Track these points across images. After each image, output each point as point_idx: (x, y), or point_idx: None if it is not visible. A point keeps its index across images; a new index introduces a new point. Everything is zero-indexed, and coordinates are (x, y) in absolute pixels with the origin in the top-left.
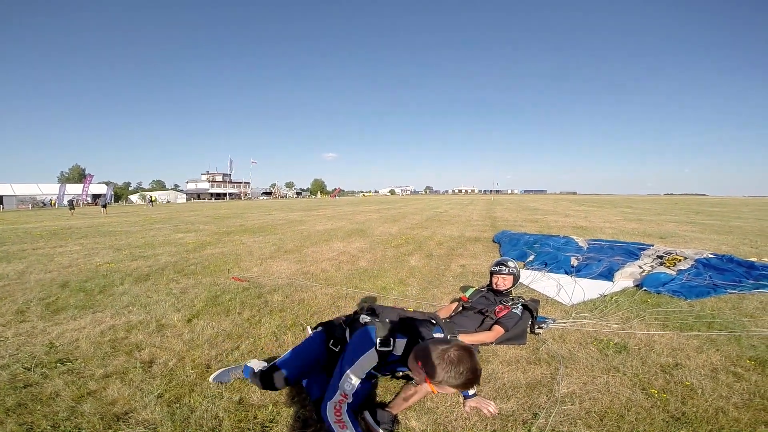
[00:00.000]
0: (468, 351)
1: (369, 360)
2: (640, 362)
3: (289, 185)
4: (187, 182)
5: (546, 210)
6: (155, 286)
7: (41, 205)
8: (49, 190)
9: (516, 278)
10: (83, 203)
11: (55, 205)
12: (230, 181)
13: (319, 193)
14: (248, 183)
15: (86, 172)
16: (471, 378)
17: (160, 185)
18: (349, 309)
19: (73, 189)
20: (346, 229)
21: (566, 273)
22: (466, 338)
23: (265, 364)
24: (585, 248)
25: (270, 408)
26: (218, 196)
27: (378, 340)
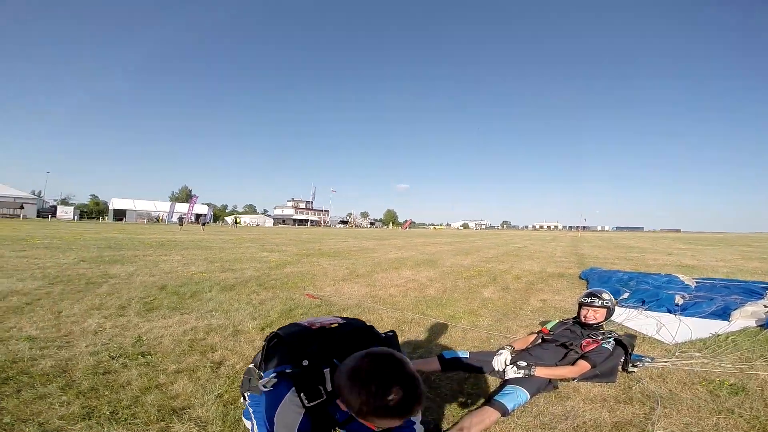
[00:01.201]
0: (388, 358)
1: (284, 412)
2: (762, 404)
3: (364, 215)
4: (275, 208)
5: (643, 248)
6: (238, 296)
7: (155, 220)
8: (162, 207)
9: (609, 312)
10: (187, 221)
11: (165, 221)
12: (312, 209)
13: (391, 224)
14: (327, 211)
15: (192, 193)
16: (397, 399)
17: (251, 209)
18: (414, 334)
19: (181, 208)
20: (415, 259)
21: (669, 311)
22: (543, 371)
23: None
24: (692, 286)
25: None
26: (301, 222)
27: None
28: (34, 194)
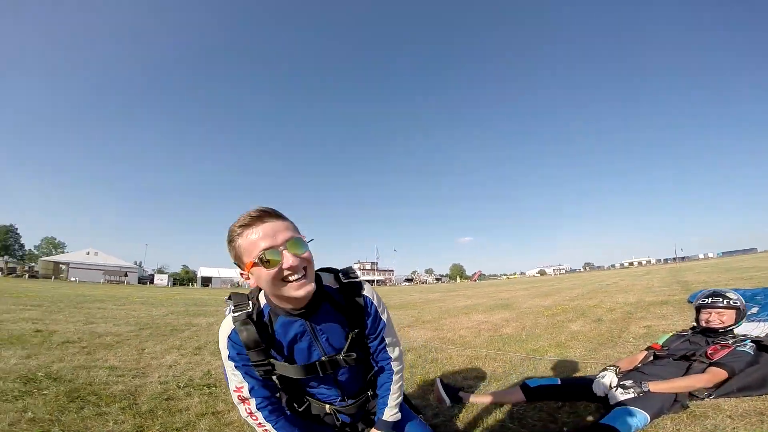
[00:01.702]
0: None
1: (221, 334)
2: None
3: (429, 271)
4: None
5: (762, 267)
6: None
7: (237, 284)
8: None
9: (740, 314)
10: None
11: (245, 286)
12: (377, 269)
13: (458, 278)
14: (392, 270)
15: None
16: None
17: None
18: (490, 368)
19: None
20: (487, 304)
21: None
22: (661, 386)
23: None
24: None
25: None
26: (368, 282)
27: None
28: (135, 264)
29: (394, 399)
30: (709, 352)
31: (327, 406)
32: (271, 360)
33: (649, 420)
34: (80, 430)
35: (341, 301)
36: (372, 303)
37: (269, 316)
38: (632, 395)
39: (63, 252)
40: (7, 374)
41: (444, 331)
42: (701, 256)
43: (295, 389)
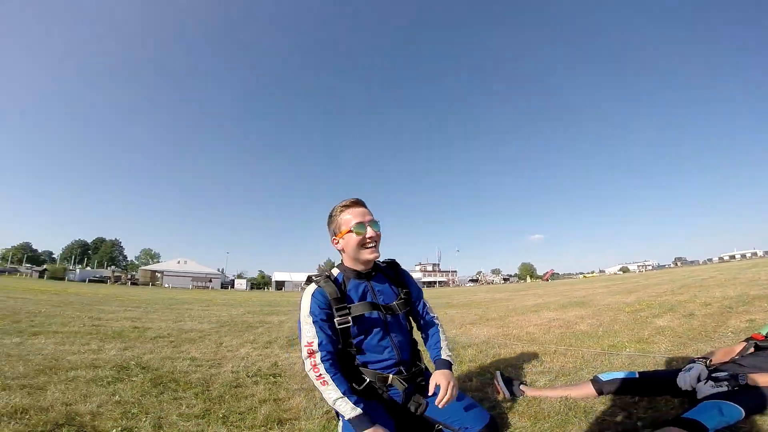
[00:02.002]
0: None
1: (305, 298)
2: None
3: (495, 271)
4: None
5: None
6: None
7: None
8: None
9: None
10: None
11: None
12: (439, 270)
13: (528, 278)
14: (455, 271)
15: (335, 264)
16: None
17: None
18: (558, 363)
19: None
20: (560, 302)
21: None
22: (764, 378)
23: None
24: None
25: None
26: (429, 284)
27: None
28: (218, 270)
29: (445, 344)
30: None
31: (389, 376)
32: (348, 306)
33: (743, 415)
34: (156, 412)
35: (390, 274)
36: (410, 275)
37: (342, 280)
38: (725, 388)
39: (158, 261)
40: (105, 363)
41: (510, 328)
42: None
43: (352, 361)
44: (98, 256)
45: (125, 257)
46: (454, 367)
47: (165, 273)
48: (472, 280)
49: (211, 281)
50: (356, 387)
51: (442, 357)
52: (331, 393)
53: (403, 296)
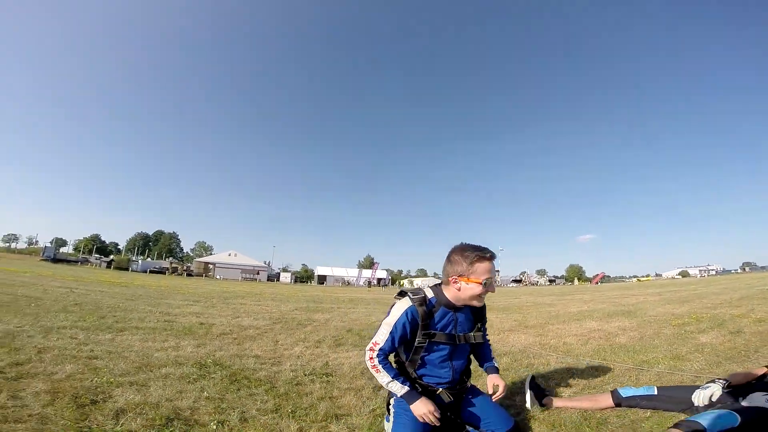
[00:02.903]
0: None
1: (398, 309)
2: None
3: (541, 272)
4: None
5: None
6: None
7: (347, 283)
8: (352, 273)
9: None
10: (373, 284)
11: (354, 284)
12: None
13: (576, 280)
14: (498, 271)
15: (374, 261)
16: (477, 249)
17: (422, 273)
18: (586, 377)
19: (366, 273)
20: (607, 311)
21: None
22: None
23: None
24: None
25: None
26: None
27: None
28: (265, 263)
29: (492, 356)
30: None
31: (439, 389)
32: (432, 332)
33: (739, 420)
34: (239, 407)
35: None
36: (485, 308)
37: (434, 305)
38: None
39: (211, 253)
40: (186, 360)
41: (548, 337)
42: None
43: (410, 371)
44: (158, 247)
45: (182, 249)
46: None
47: (217, 265)
48: (515, 281)
49: (258, 273)
50: (409, 383)
51: (495, 365)
52: (383, 378)
53: (479, 329)
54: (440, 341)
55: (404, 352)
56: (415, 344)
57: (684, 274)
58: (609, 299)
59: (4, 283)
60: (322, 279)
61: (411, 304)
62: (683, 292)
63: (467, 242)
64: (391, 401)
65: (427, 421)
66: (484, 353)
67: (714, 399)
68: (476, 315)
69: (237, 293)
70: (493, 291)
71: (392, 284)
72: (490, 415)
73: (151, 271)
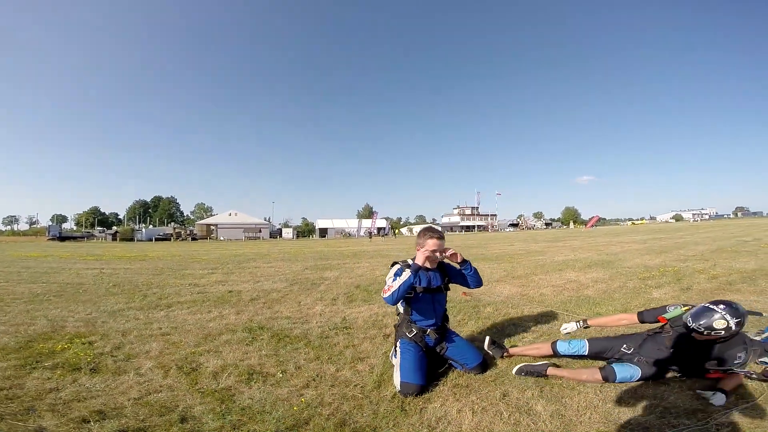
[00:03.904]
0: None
1: (392, 270)
2: None
3: (537, 215)
4: (442, 216)
5: None
6: None
7: (348, 235)
8: (352, 224)
9: (731, 331)
10: (373, 234)
11: (355, 235)
12: (478, 214)
13: (572, 223)
14: (495, 215)
15: (373, 210)
16: (427, 228)
17: (421, 219)
18: (547, 326)
19: (365, 223)
20: (588, 261)
21: None
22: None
23: None
24: None
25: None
26: (468, 228)
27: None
28: (265, 220)
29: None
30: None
31: (428, 330)
32: (415, 286)
33: (639, 375)
34: (290, 359)
35: (441, 267)
36: (449, 265)
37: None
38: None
39: (211, 215)
40: (235, 327)
41: (529, 288)
42: None
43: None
44: (158, 213)
45: (182, 213)
46: (464, 268)
47: (219, 226)
48: (512, 225)
49: (260, 231)
50: (408, 335)
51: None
52: (395, 283)
53: (446, 282)
54: (421, 291)
55: (402, 303)
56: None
57: (677, 218)
58: (595, 247)
59: (38, 271)
60: (323, 232)
61: (400, 266)
62: (667, 240)
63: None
64: (397, 343)
65: (432, 256)
66: (465, 276)
67: (565, 331)
68: (443, 271)
69: (247, 255)
70: (436, 258)
71: (392, 232)
72: (466, 352)
73: (156, 239)
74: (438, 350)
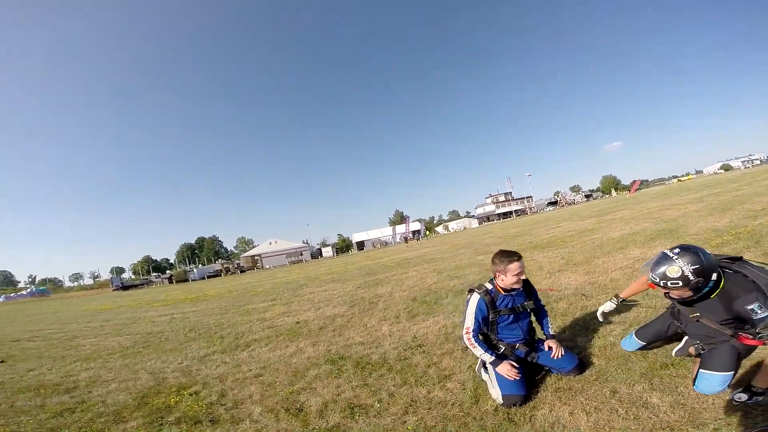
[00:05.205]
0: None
1: (473, 302)
2: None
3: (575, 189)
4: (476, 207)
5: None
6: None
7: (384, 243)
8: (386, 232)
9: (692, 282)
10: (409, 238)
11: (391, 242)
12: (512, 199)
13: (613, 191)
14: (530, 197)
15: (404, 215)
16: (503, 252)
17: (455, 215)
18: (641, 315)
19: (399, 229)
20: (648, 232)
21: None
22: None
23: None
24: None
25: None
26: (505, 215)
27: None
28: (304, 243)
29: (549, 322)
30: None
31: (516, 345)
32: (498, 309)
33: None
34: (380, 387)
35: (525, 287)
36: (534, 289)
37: (495, 293)
38: None
39: (253, 246)
40: (318, 359)
41: (596, 274)
42: None
43: (490, 339)
44: (204, 253)
45: (226, 249)
46: (554, 330)
47: (263, 256)
48: (551, 203)
49: (302, 254)
50: (496, 352)
51: (551, 333)
52: (478, 350)
53: (529, 301)
54: (505, 314)
55: (485, 325)
56: (490, 319)
57: (726, 168)
58: (649, 214)
59: (117, 323)
60: (360, 245)
61: (480, 297)
62: (725, 195)
63: (501, 249)
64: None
65: (508, 377)
66: (540, 320)
67: (603, 311)
68: (527, 292)
69: (298, 281)
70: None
71: (427, 234)
72: (560, 357)
73: (208, 276)
74: (528, 359)
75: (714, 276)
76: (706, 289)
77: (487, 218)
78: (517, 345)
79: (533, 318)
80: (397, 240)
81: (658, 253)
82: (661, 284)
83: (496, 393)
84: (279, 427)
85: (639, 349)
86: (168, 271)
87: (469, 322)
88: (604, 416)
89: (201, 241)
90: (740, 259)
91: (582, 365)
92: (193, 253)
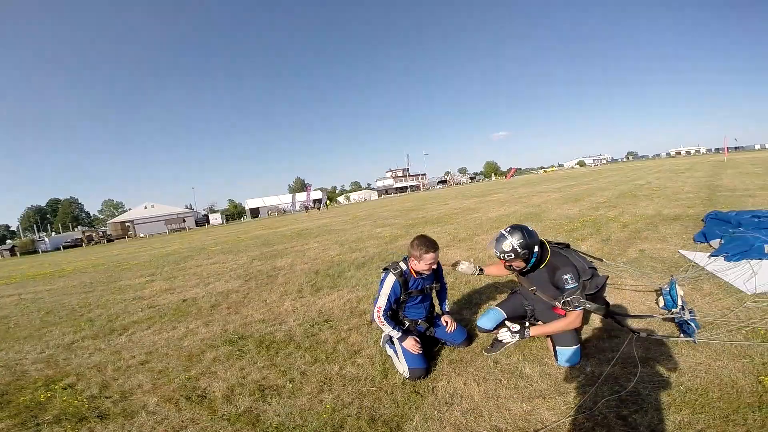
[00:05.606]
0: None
1: (388, 283)
2: None
3: (462, 171)
4: (377, 180)
5: None
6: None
7: (282, 212)
8: (285, 199)
9: (521, 254)
10: (309, 207)
11: (290, 210)
12: (409, 175)
13: (493, 176)
14: (425, 174)
15: (306, 182)
16: (422, 239)
17: (357, 186)
18: (502, 288)
19: (300, 197)
20: (519, 214)
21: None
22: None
23: None
24: None
25: None
26: (401, 189)
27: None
28: (188, 207)
29: (447, 300)
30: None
31: (419, 321)
32: (410, 291)
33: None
34: (290, 366)
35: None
36: (441, 269)
37: (408, 274)
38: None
39: (123, 211)
40: (213, 341)
41: (476, 250)
42: (758, 146)
43: (398, 315)
44: (59, 218)
45: (88, 214)
46: (449, 306)
47: (135, 222)
48: (440, 182)
49: (184, 221)
50: (401, 328)
51: (446, 308)
52: (386, 328)
53: (435, 283)
54: (415, 295)
55: (395, 304)
56: (401, 299)
57: (581, 164)
58: (519, 199)
59: None
60: (255, 212)
61: (395, 278)
62: (577, 188)
63: (422, 235)
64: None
65: (412, 351)
66: (441, 297)
67: (461, 269)
68: (435, 271)
69: (181, 253)
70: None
71: (327, 204)
72: (453, 331)
73: (64, 247)
74: (427, 334)
75: (536, 248)
76: (533, 260)
77: (386, 191)
78: (419, 321)
79: (434, 294)
80: (297, 209)
81: (497, 232)
82: (501, 257)
83: (402, 367)
84: (183, 417)
85: (499, 324)
86: (9, 241)
87: (382, 301)
88: (492, 386)
89: (54, 203)
90: (567, 246)
91: (470, 338)
92: (43, 218)
